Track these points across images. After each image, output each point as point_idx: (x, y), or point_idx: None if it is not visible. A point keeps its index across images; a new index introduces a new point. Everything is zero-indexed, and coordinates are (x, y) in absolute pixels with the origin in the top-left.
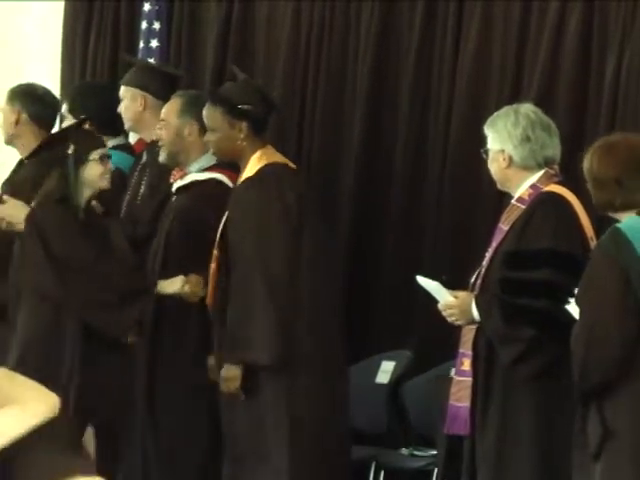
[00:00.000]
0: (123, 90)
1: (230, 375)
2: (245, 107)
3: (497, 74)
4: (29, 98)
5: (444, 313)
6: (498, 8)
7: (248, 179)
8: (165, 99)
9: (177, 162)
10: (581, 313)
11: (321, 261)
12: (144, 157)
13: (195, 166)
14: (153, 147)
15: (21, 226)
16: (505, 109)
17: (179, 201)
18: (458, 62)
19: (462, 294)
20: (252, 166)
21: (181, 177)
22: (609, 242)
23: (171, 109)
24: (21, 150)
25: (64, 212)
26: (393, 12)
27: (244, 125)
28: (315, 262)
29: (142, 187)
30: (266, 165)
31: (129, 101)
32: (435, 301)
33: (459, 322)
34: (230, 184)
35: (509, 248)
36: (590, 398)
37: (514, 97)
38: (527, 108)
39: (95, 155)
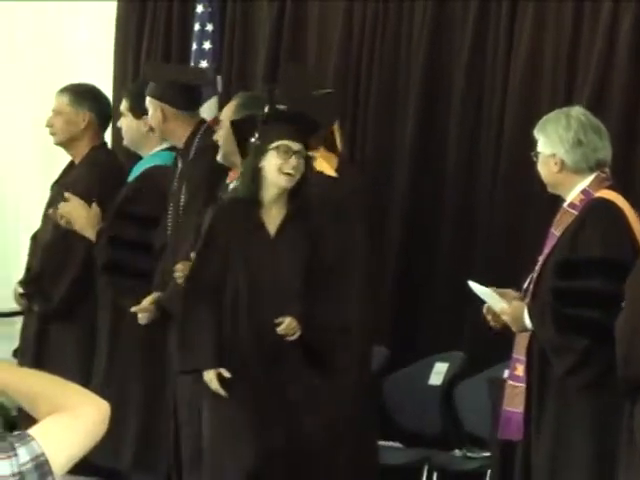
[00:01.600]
0: (147, 100)
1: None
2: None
3: (550, 75)
4: (97, 99)
5: (488, 317)
6: (550, 9)
7: None
8: (188, 108)
9: (231, 162)
10: (627, 300)
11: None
12: (179, 164)
13: None
14: (186, 154)
15: (79, 225)
16: (555, 113)
17: None
18: (511, 62)
19: (515, 302)
20: None
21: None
22: None
23: (227, 110)
24: (73, 152)
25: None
26: (446, 11)
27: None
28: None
29: (182, 197)
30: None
31: (152, 111)
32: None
33: (512, 329)
34: None
35: (560, 257)
36: (637, 390)
37: (567, 98)
38: (577, 111)
39: (273, 145)
